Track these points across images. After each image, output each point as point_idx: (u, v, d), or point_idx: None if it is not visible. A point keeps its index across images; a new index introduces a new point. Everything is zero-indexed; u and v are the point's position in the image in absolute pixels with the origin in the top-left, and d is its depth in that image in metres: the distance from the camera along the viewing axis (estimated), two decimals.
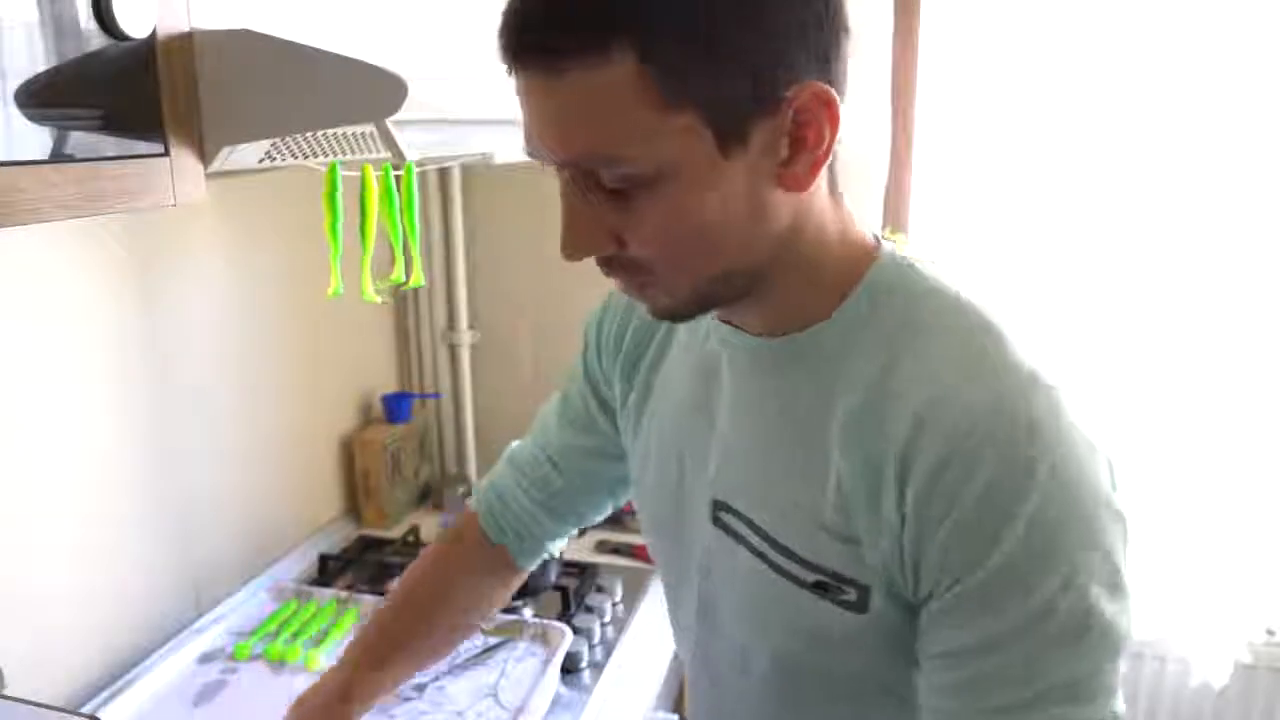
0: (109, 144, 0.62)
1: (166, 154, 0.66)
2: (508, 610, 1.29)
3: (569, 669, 1.26)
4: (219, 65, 0.68)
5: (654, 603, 1.43)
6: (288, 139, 0.79)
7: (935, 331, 0.60)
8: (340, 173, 0.98)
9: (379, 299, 1.06)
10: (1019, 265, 1.71)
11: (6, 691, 0.99)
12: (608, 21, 0.51)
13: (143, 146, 0.64)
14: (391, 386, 1.91)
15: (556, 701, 1.21)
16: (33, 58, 0.56)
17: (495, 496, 0.93)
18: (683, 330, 0.76)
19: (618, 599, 1.44)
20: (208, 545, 1.39)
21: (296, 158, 0.83)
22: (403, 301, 1.90)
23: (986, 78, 1.63)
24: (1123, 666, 0.58)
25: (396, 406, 1.78)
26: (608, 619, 1.39)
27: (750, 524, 0.68)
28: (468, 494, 1.84)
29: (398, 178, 1.03)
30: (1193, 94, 1.57)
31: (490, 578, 0.93)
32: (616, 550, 1.62)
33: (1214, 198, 1.61)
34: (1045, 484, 0.54)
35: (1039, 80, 1.61)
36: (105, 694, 1.17)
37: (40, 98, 0.57)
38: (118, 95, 0.63)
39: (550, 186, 0.59)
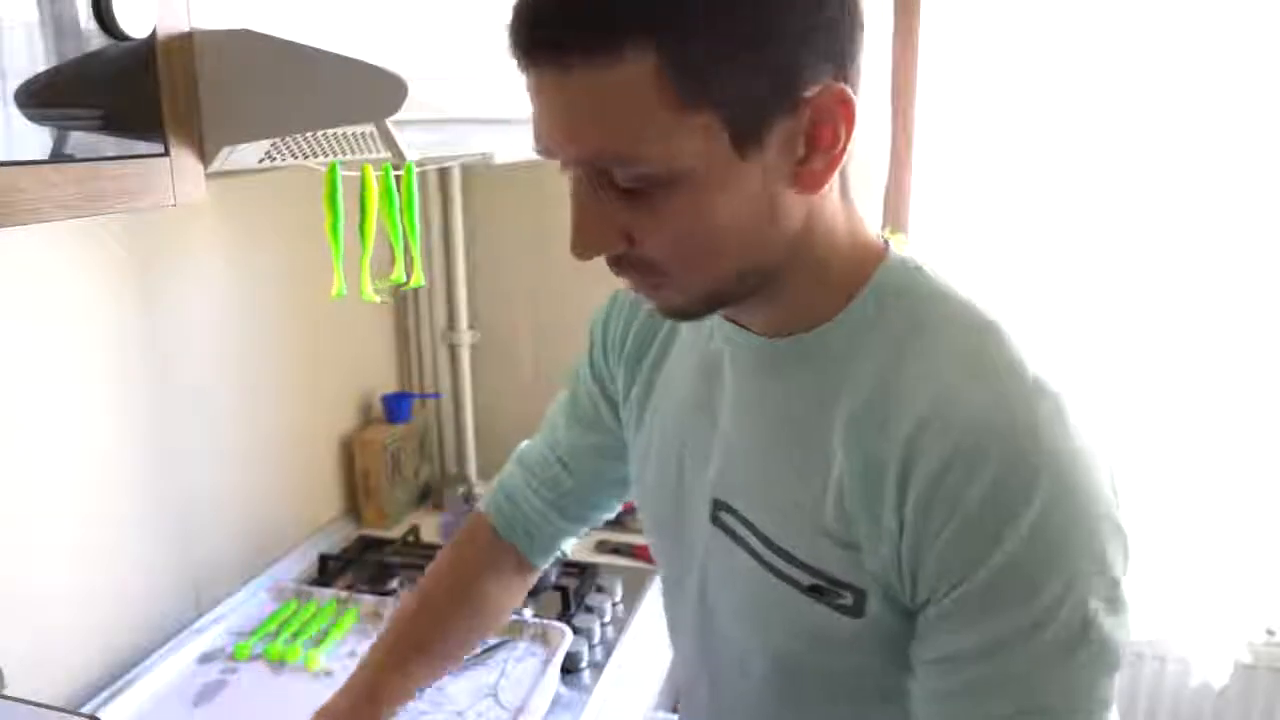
0: (109, 144, 0.62)
1: (166, 154, 0.66)
2: None
3: (569, 669, 1.26)
4: (219, 65, 0.68)
5: (654, 603, 1.43)
6: (288, 139, 0.79)
7: (941, 334, 0.60)
8: (340, 173, 0.98)
9: (379, 299, 1.06)
10: (1019, 265, 1.71)
11: (6, 691, 0.99)
12: (626, 19, 0.50)
13: (143, 146, 0.64)
14: (391, 386, 1.91)
15: (556, 701, 1.21)
16: (33, 58, 0.56)
17: (505, 497, 0.93)
18: (685, 329, 0.76)
19: (618, 599, 1.44)
20: (208, 545, 1.39)
21: (296, 158, 0.83)
22: (403, 301, 1.90)
23: (986, 78, 1.63)
24: (1118, 681, 0.57)
25: (396, 406, 1.78)
26: (608, 619, 1.39)
27: (749, 525, 0.67)
28: (468, 494, 1.84)
29: (398, 178, 1.03)
30: (1193, 94, 1.57)
31: (505, 577, 0.94)
32: (616, 550, 1.62)
33: (1214, 197, 1.61)
34: (1049, 487, 0.54)
35: (1039, 80, 1.61)
36: (105, 694, 1.17)
37: (40, 98, 0.57)
38: (118, 95, 0.63)
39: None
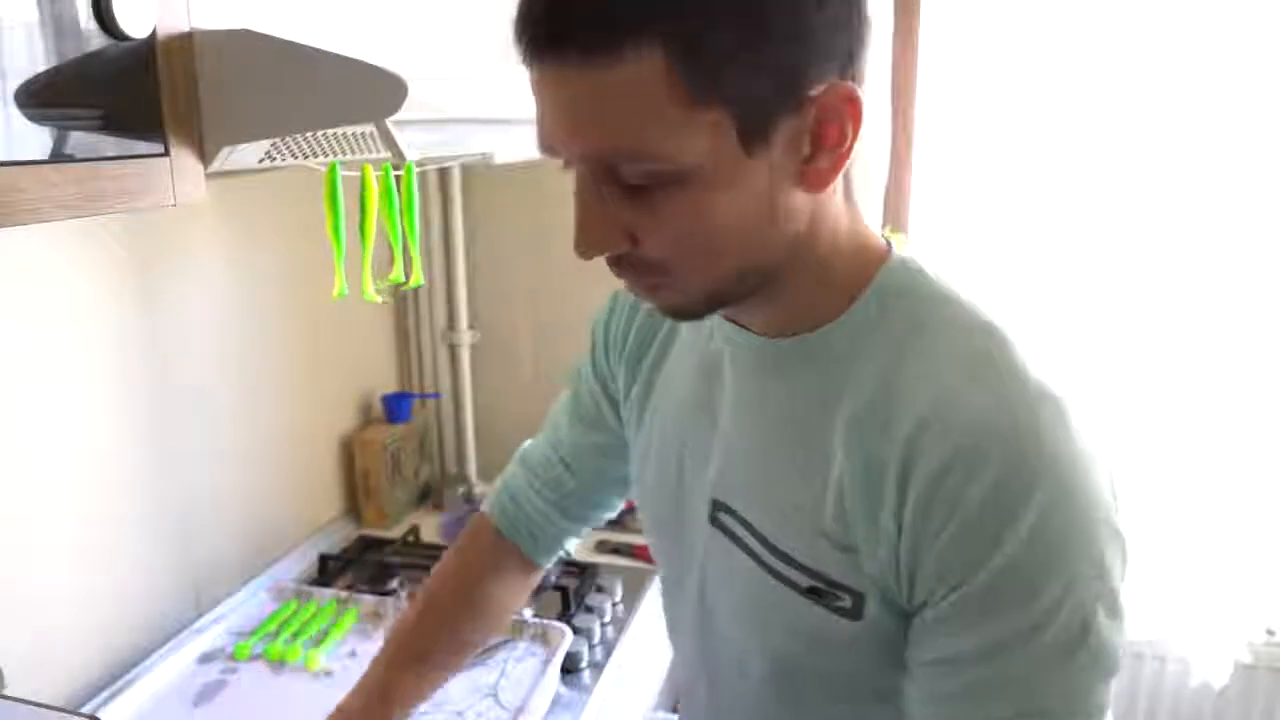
0: (109, 144, 0.62)
1: (166, 154, 0.66)
2: None
3: (569, 669, 1.26)
4: (219, 65, 0.68)
5: (654, 603, 1.43)
6: (288, 139, 0.79)
7: (942, 335, 0.60)
8: (340, 173, 0.98)
9: (379, 299, 1.07)
10: (1018, 265, 1.71)
11: (6, 691, 0.99)
12: (638, 14, 0.49)
13: (143, 146, 0.64)
14: (391, 386, 1.91)
15: (556, 701, 1.21)
16: (33, 58, 0.56)
17: (508, 498, 0.94)
18: (685, 329, 0.76)
19: (618, 599, 1.44)
20: (208, 545, 1.39)
21: (296, 158, 0.83)
22: (403, 301, 1.90)
23: (986, 78, 1.63)
24: (1118, 683, 0.57)
25: (396, 406, 1.78)
26: (608, 619, 1.39)
27: (748, 526, 0.67)
28: (468, 494, 1.84)
29: (398, 178, 1.03)
30: (1193, 94, 1.57)
31: (510, 577, 0.94)
32: (616, 550, 1.62)
33: (1214, 197, 1.61)
34: (1050, 489, 0.54)
35: (1039, 80, 1.61)
36: (105, 694, 1.17)
37: (40, 98, 0.57)
38: (118, 95, 0.63)
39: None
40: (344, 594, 1.40)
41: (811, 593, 0.63)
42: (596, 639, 1.34)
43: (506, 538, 0.93)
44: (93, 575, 1.19)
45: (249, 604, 1.40)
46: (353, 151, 0.89)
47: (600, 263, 0.59)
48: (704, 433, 0.72)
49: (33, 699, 0.97)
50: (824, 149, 0.55)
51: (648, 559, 1.52)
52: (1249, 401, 1.69)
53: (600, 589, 1.45)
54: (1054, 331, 1.70)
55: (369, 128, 0.86)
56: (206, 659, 1.27)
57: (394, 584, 1.47)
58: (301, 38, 0.70)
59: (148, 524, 1.28)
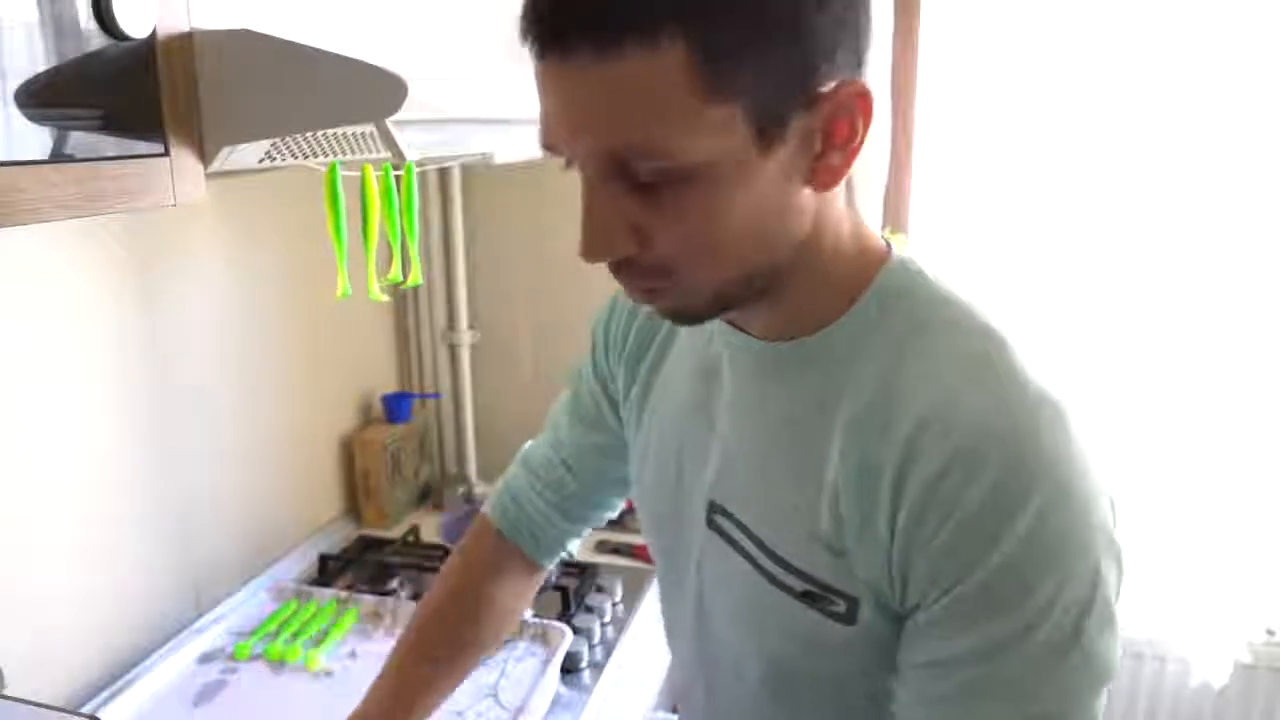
0: (109, 144, 0.62)
1: (166, 154, 0.66)
2: None
3: (569, 669, 1.26)
4: (219, 65, 0.68)
5: (654, 603, 1.43)
6: (288, 139, 0.79)
7: (942, 336, 0.60)
8: (340, 173, 0.98)
9: (383, 297, 1.07)
10: (1018, 266, 1.71)
11: (6, 691, 0.99)
12: (656, 7, 0.49)
13: (143, 146, 0.64)
14: (391, 386, 1.91)
15: (556, 701, 1.21)
16: (33, 58, 0.56)
17: (510, 500, 0.94)
18: (684, 332, 0.76)
19: (618, 599, 1.44)
20: (208, 545, 1.39)
21: (296, 158, 0.83)
22: (403, 301, 1.90)
23: (986, 78, 1.63)
24: (1119, 682, 0.57)
25: (396, 406, 1.78)
26: (608, 619, 1.39)
27: (744, 529, 0.67)
28: (468, 494, 1.84)
29: (398, 178, 1.03)
30: (1193, 94, 1.57)
31: (513, 579, 0.94)
32: (616, 550, 1.62)
33: (1214, 198, 1.61)
34: (1047, 492, 0.54)
35: (1039, 80, 1.61)
36: (105, 694, 1.17)
37: (40, 98, 0.57)
38: (118, 95, 0.63)
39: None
40: (344, 594, 1.40)
41: (806, 597, 0.63)
42: (596, 639, 1.34)
43: (508, 539, 0.93)
44: (93, 575, 1.19)
45: (249, 604, 1.40)
46: (353, 151, 0.89)
47: (600, 263, 0.59)
48: (701, 435, 0.72)
49: (33, 699, 0.97)
50: (835, 146, 0.54)
51: (648, 559, 1.51)
52: (1248, 402, 1.69)
53: (600, 589, 1.45)
54: (1053, 332, 1.70)
55: (369, 128, 0.86)
56: (206, 659, 1.27)
57: (394, 584, 1.47)
58: (301, 38, 0.70)
59: (148, 524, 1.28)
